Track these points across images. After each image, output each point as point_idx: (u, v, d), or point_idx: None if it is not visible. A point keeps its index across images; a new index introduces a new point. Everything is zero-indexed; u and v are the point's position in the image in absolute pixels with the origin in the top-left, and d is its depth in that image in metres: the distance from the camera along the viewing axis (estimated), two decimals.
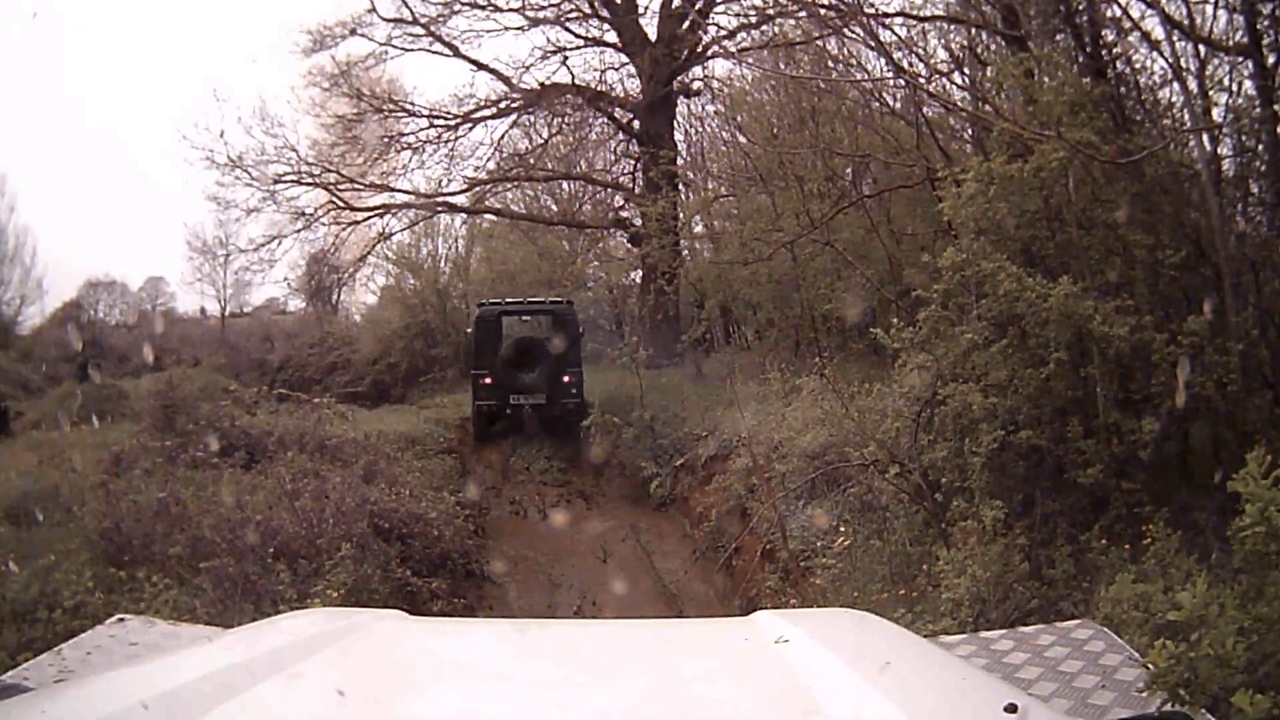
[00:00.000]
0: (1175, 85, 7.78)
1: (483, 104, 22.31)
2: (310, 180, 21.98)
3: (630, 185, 22.57)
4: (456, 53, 21.95)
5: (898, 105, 11.49)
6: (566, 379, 16.35)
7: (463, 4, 21.42)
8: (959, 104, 10.18)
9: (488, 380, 16.43)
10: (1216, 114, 7.46)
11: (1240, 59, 7.40)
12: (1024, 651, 2.94)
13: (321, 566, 7.11)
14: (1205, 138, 7.26)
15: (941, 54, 11.55)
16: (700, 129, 21.60)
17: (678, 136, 21.64)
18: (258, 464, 10.06)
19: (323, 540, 7.46)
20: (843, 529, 7.89)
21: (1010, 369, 6.48)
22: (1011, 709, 1.76)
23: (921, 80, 9.79)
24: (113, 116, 42.58)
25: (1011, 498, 6.37)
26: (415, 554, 8.87)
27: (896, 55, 9.27)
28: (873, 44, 8.82)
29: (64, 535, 7.61)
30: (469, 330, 18.39)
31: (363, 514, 8.28)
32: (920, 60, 10.58)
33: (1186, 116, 7.48)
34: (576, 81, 22.07)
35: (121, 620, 3.23)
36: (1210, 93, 7.52)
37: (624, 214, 23.02)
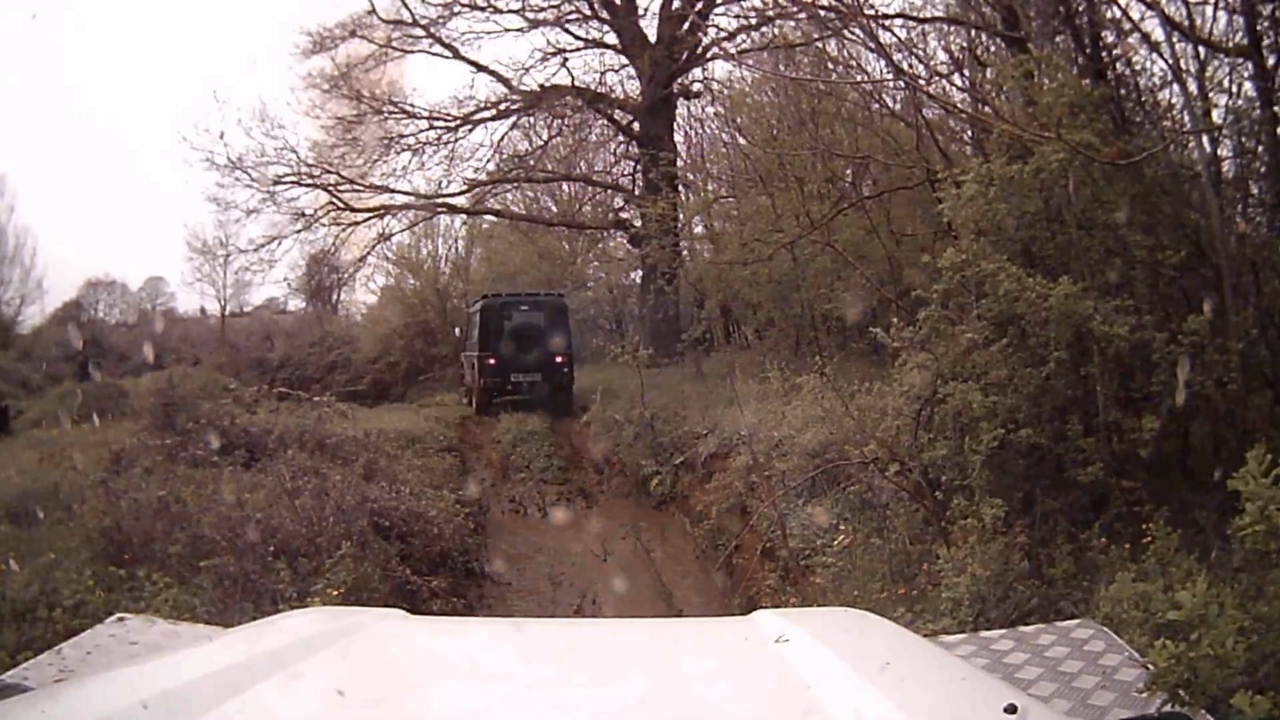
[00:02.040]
0: (1175, 87, 7.76)
1: (483, 106, 22.35)
2: (310, 181, 22.01)
3: (630, 186, 22.59)
4: (456, 54, 21.99)
5: (897, 107, 11.47)
6: (559, 359, 19.07)
7: (462, 5, 21.48)
8: (959, 106, 10.17)
9: (492, 361, 18.85)
10: (1216, 115, 7.43)
11: (1240, 60, 7.39)
12: (1024, 651, 2.91)
13: (321, 565, 7.09)
14: (1205, 139, 7.25)
15: (941, 56, 11.54)
16: (700, 131, 21.64)
17: (677, 138, 21.75)
18: (258, 462, 10.05)
19: (323, 538, 7.45)
20: (843, 527, 7.88)
21: (1010, 368, 6.48)
22: (1011, 709, 1.75)
23: (921, 82, 9.77)
24: (114, 117, 42.70)
25: (1011, 496, 6.36)
26: (415, 552, 8.85)
27: (896, 57, 9.25)
28: (872, 46, 8.80)
29: (64, 533, 7.60)
30: (473, 316, 20.57)
31: (363, 512, 8.26)
32: (920, 62, 10.57)
33: (1186, 118, 7.47)
34: (576, 83, 22.10)
35: (122, 619, 3.20)
36: (1210, 94, 7.49)
37: (624, 215, 23.05)
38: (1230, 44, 7.43)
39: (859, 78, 11.60)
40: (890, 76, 9.80)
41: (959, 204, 6.73)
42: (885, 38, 9.48)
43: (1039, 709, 2.01)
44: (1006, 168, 6.53)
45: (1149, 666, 2.67)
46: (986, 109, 9.37)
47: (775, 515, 8.80)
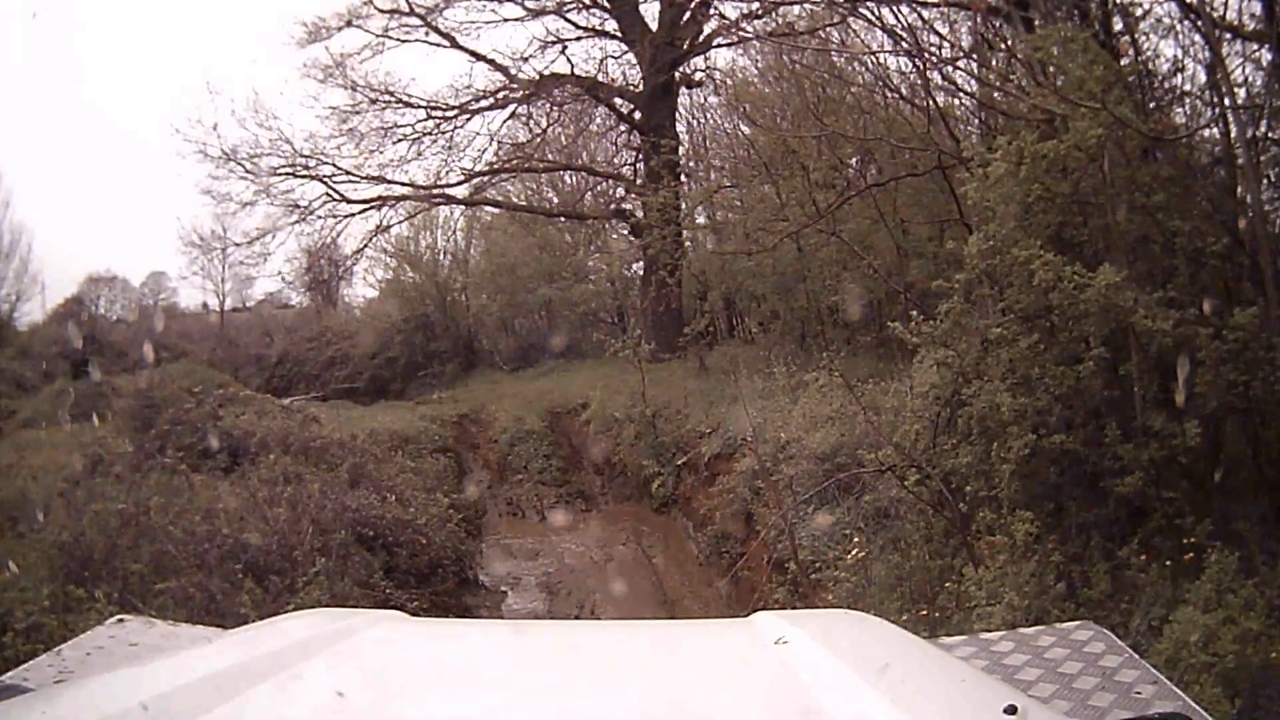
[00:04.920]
0: (1186, 73, 7.41)
1: (481, 95, 21.92)
2: (305, 173, 21.65)
3: (632, 176, 22.18)
4: (454, 44, 21.57)
5: (905, 92, 11.02)
6: None
7: None
8: (973, 89, 9.72)
9: None
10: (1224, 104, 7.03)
11: (1257, 46, 6.99)
12: (1024, 653, 2.85)
13: (295, 582, 6.62)
14: (1238, 118, 6.78)
15: (949, 40, 11.08)
16: (703, 120, 21.23)
17: (680, 128, 21.28)
18: (240, 466, 9.61)
19: (299, 552, 6.98)
20: (856, 539, 7.37)
21: (1040, 366, 5.95)
22: (1011, 710, 1.74)
23: (933, 61, 9.30)
24: (118, 111, 42.20)
25: (1041, 507, 5.85)
26: (401, 564, 8.41)
27: (905, 41, 8.82)
28: (882, 28, 8.37)
29: (24, 548, 7.08)
30: None
31: (343, 522, 7.79)
32: (928, 49, 10.07)
33: (1225, 98, 6.98)
34: (576, 72, 21.72)
35: (121, 620, 3.16)
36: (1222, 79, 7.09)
37: (625, 206, 22.66)
38: (1248, 27, 7.01)
39: (867, 62, 11.16)
40: (901, 55, 9.38)
41: (987, 185, 6.16)
42: (892, 25, 9.13)
43: (1039, 710, 2.02)
44: (1040, 144, 5.97)
45: (1149, 667, 2.65)
46: (997, 94, 8.89)
47: (784, 525, 8.27)
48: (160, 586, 6.21)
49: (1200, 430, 5.69)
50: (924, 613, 5.80)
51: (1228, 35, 7.06)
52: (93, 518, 6.99)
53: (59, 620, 5.85)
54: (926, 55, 9.14)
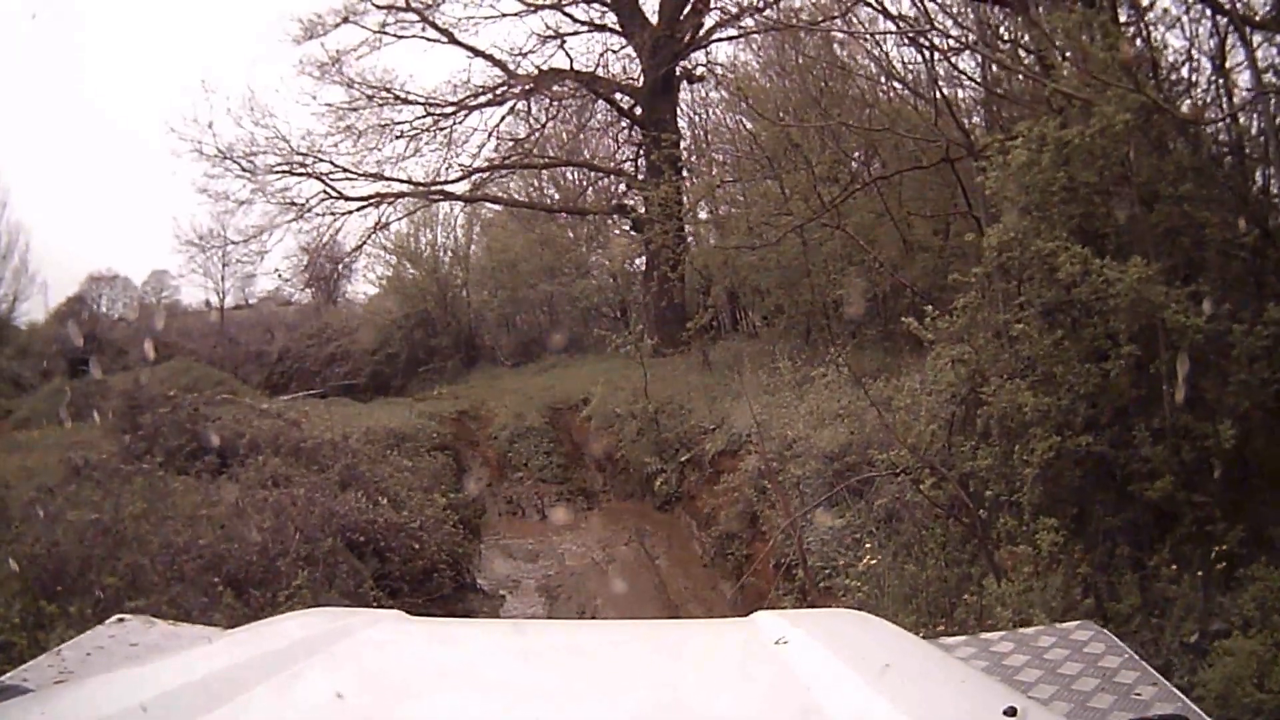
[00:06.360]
0: (1193, 63, 7.16)
1: (480, 91, 21.68)
2: (302, 170, 21.41)
3: (633, 171, 21.95)
4: (452, 39, 21.31)
5: (910, 82, 10.75)
6: None
7: None
8: (976, 80, 9.45)
9: None
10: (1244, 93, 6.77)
11: (1265, 36, 6.72)
12: (1024, 653, 2.88)
13: (277, 595, 6.31)
14: (1269, 105, 6.50)
15: (953, 32, 10.82)
16: (704, 114, 21.01)
17: (681, 123, 21.03)
18: (229, 468, 9.30)
19: (283, 562, 6.66)
20: (868, 544, 7.05)
21: (1064, 363, 5.63)
22: (1011, 712, 1.73)
23: (940, 50, 9.02)
24: (118, 110, 42.10)
25: (1065, 513, 5.54)
26: (394, 570, 8.11)
27: (910, 29, 8.55)
28: (887, 16, 8.13)
29: None
30: None
31: (331, 529, 7.48)
32: (939, 32, 9.78)
33: (1253, 85, 6.68)
34: (576, 67, 21.47)
35: (121, 620, 3.18)
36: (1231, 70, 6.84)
37: (627, 201, 22.42)
38: (1258, 15, 6.74)
39: (872, 53, 10.91)
40: (904, 48, 9.13)
41: (1007, 173, 5.82)
42: (896, 14, 8.91)
43: (1039, 711, 2.01)
44: (1064, 131, 5.65)
45: (1149, 668, 2.65)
46: (1005, 84, 8.61)
47: (791, 529, 7.94)
48: (132, 605, 5.87)
49: (1234, 431, 5.38)
50: (940, 627, 5.48)
51: (1229, 22, 6.81)
52: (68, 527, 6.67)
53: (29, 637, 5.54)
54: (934, 41, 8.85)
